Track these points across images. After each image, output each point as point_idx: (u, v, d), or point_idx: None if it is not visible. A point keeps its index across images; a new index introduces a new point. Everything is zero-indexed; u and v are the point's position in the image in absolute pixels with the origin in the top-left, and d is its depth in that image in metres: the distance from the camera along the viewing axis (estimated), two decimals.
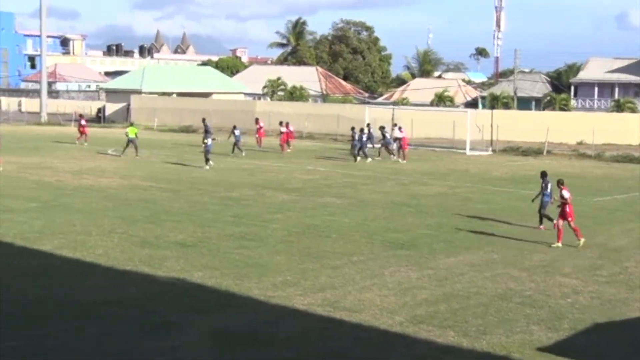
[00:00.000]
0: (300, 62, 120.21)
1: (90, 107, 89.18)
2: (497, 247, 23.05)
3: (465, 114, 61.52)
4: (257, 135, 57.00)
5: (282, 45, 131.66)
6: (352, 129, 49.21)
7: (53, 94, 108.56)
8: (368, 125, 52.33)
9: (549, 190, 25.48)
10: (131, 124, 52.44)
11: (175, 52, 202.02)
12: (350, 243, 23.12)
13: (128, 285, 17.76)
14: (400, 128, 52.74)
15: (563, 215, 23.45)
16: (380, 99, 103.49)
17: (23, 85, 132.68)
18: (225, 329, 14.86)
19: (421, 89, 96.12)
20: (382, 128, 51.05)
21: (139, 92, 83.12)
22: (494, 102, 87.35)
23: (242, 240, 23.11)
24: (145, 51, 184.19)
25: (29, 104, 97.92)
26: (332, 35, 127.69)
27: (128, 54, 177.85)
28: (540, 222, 26.07)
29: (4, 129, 69.74)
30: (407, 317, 15.88)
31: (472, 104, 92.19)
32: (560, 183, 23.97)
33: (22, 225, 24.36)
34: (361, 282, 18.55)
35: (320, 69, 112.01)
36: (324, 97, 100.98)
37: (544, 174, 26.10)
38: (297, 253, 21.53)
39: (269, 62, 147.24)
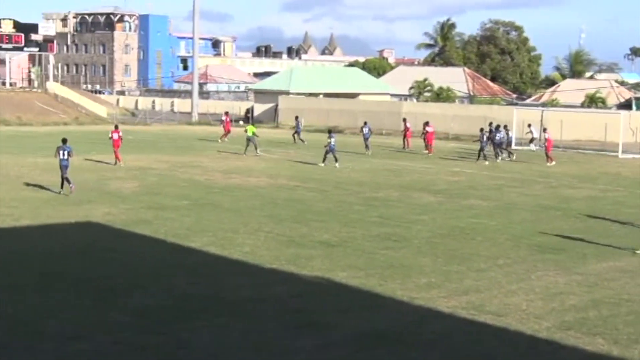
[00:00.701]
0: (448, 63, 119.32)
1: (239, 108, 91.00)
2: None
3: (618, 116, 59.77)
4: (404, 136, 56.87)
5: (429, 46, 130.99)
6: (481, 130, 48.76)
7: (204, 94, 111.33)
8: (505, 126, 51.68)
9: None
10: (252, 123, 54.03)
11: (323, 53, 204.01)
12: (496, 246, 22.79)
13: (274, 284, 18.01)
14: (545, 129, 51.86)
15: None
16: (528, 100, 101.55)
17: (176, 86, 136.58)
18: (368, 329, 14.87)
19: (572, 90, 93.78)
20: (497, 127, 49.97)
21: (287, 93, 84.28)
22: None
23: (387, 241, 23.11)
24: (293, 52, 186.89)
25: (181, 104, 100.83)
26: (480, 36, 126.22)
27: (276, 55, 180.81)
28: None
29: (157, 129, 72.13)
30: (554, 322, 15.52)
31: (626, 106, 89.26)
32: None
33: (173, 222, 25.07)
34: (507, 286, 18.25)
35: (467, 70, 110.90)
36: (471, 98, 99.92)
37: None
38: (441, 255, 21.38)
39: (416, 63, 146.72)
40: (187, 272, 18.92)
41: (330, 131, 45.40)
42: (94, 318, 15.14)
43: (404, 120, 58.23)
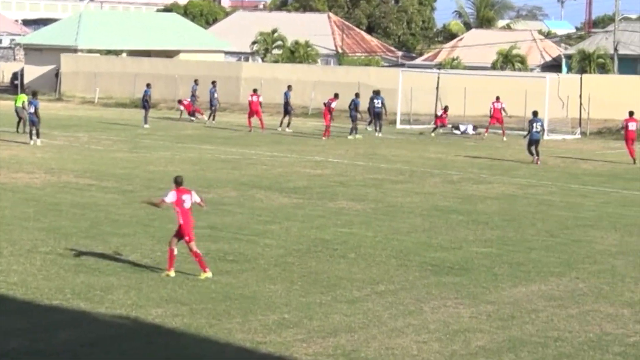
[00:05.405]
0: (305, 8, 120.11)
1: (2, 72, 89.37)
2: (586, 273, 22.98)
3: (543, 81, 61.22)
4: (250, 113, 56.84)
5: None
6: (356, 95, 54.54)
7: None
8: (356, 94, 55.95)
9: None
10: (22, 92, 56.43)
11: None
12: (375, 266, 23.11)
13: (57, 328, 17.77)
14: (498, 98, 54.31)
15: (178, 233, 22.18)
16: (419, 60, 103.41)
17: None
18: None
19: (479, 45, 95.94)
20: (377, 93, 55.69)
21: (73, 50, 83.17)
22: (585, 64, 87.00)
23: (221, 261, 23.13)
24: None
25: None
26: None
27: None
28: None
29: None
30: None
31: (554, 67, 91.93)
32: None
33: None
34: (390, 323, 18.55)
35: (334, 17, 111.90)
36: (340, 58, 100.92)
37: None
38: (298, 280, 21.55)
39: (261, 7, 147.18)
40: None
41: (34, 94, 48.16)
42: None
43: (255, 91, 57.63)
